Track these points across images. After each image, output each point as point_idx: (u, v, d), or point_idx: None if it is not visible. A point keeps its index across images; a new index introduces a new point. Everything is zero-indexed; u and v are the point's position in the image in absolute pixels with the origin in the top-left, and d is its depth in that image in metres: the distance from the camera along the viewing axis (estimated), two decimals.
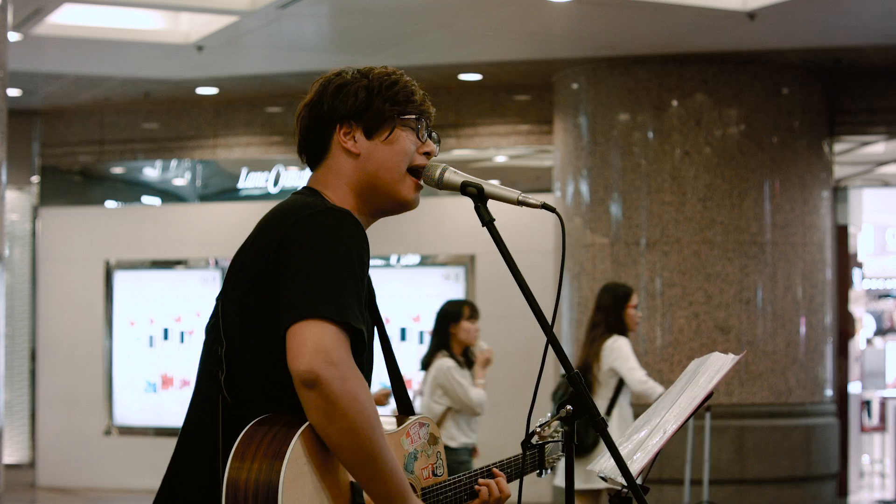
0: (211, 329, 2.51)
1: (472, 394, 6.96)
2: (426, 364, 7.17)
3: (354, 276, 2.36)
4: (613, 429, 6.89)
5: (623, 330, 7.18)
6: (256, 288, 2.41)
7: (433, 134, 2.66)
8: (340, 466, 2.37)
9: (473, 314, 7.08)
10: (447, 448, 6.52)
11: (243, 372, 2.43)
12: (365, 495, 2.39)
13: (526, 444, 2.75)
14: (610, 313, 7.20)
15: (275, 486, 2.25)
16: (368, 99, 2.58)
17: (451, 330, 7.04)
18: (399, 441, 2.56)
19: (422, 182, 2.62)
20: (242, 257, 2.49)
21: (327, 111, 2.59)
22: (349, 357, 2.30)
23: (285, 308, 2.32)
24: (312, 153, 2.63)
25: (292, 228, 2.40)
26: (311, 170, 2.65)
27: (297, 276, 2.34)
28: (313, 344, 2.26)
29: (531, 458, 2.86)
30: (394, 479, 2.35)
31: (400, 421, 2.63)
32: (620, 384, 7.11)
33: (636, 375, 7.00)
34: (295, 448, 2.28)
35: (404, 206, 2.63)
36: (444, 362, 6.99)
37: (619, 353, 7.07)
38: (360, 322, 2.33)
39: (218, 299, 2.52)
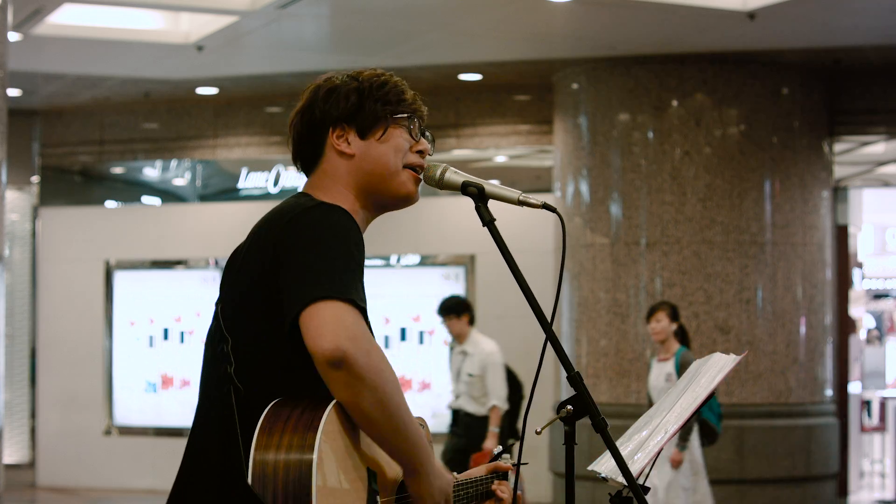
0: (213, 333, 2.54)
1: None
2: None
3: (354, 260, 2.39)
4: None
5: None
6: (257, 286, 2.44)
7: (426, 133, 2.68)
8: (362, 449, 2.38)
9: None
10: None
11: (250, 365, 2.45)
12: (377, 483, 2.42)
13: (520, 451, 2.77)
14: None
15: (308, 461, 2.24)
16: (360, 101, 2.61)
17: None
18: None
19: (420, 177, 2.64)
20: (240, 261, 2.53)
21: (319, 116, 2.64)
22: (367, 331, 2.33)
23: (292, 297, 2.34)
24: (306, 159, 2.70)
25: (287, 226, 2.44)
26: (307, 176, 2.70)
27: (298, 266, 2.37)
28: (332, 323, 2.28)
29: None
30: (420, 448, 2.40)
31: None
32: None
33: None
34: (328, 420, 2.28)
35: (404, 200, 2.66)
36: None
37: None
38: (363, 301, 2.36)
39: (217, 304, 2.55)
